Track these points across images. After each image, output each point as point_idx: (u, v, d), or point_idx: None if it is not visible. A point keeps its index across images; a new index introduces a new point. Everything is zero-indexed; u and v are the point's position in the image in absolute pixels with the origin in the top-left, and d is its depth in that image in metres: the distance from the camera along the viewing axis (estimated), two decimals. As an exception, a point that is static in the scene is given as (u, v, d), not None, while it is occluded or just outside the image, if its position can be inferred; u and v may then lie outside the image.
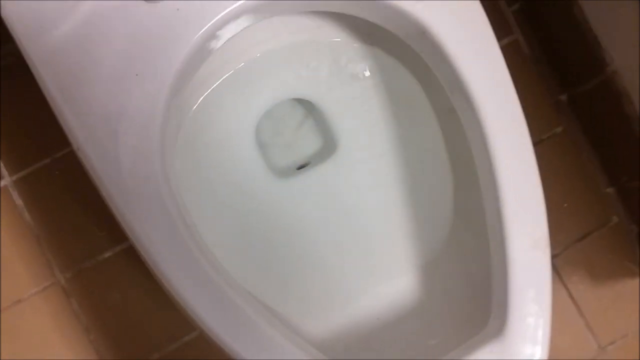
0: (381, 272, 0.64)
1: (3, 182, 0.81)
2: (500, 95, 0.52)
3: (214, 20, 0.51)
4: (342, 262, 0.64)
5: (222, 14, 0.51)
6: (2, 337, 0.79)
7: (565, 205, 0.87)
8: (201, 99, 0.62)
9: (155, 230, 0.49)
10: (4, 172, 0.81)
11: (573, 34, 0.80)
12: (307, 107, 0.69)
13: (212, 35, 0.52)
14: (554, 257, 0.87)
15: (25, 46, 0.49)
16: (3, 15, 0.49)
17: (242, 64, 0.63)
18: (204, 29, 0.51)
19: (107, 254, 0.81)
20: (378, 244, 0.65)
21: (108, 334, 0.80)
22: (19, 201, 0.81)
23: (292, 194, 0.67)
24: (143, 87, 0.49)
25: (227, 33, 0.54)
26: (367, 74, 0.66)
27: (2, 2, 0.49)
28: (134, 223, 0.49)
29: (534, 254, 0.51)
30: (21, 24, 0.49)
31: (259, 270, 0.63)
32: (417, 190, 0.66)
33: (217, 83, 0.63)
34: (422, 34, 0.53)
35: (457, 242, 0.61)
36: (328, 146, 0.69)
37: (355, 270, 0.64)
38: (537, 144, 0.88)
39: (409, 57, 0.61)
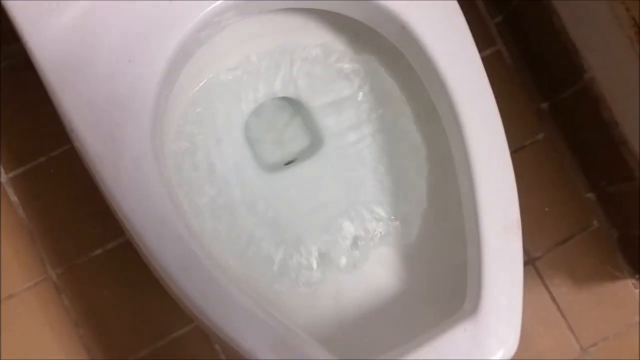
0: (363, 260, 0.65)
1: (-1, 180, 0.83)
2: (475, 86, 0.55)
3: (204, 12, 0.54)
4: (325, 251, 0.66)
5: (211, 7, 0.54)
6: (-8, 331, 0.80)
7: (547, 209, 0.90)
8: (191, 93, 0.65)
9: (143, 209, 0.51)
10: (0, 169, 0.84)
11: (553, 43, 0.84)
12: (295, 105, 0.72)
13: (202, 27, 0.55)
14: (535, 260, 0.89)
15: (25, 33, 0.52)
16: (4, 4, 0.52)
17: (231, 60, 0.66)
18: (194, 21, 0.54)
19: (98, 251, 0.83)
20: (362, 234, 0.67)
21: (97, 329, 0.82)
22: (14, 198, 0.83)
23: (279, 187, 0.70)
24: (135, 73, 0.52)
25: (216, 27, 0.57)
26: (353, 72, 0.68)
27: (4, -8, 0.52)
28: (121, 200, 0.51)
29: (507, 236, 0.53)
30: (22, 13, 0.52)
31: (247, 257, 0.64)
32: (399, 183, 0.68)
33: (206, 79, 0.66)
34: (402, 28, 0.56)
35: (436, 229, 0.63)
36: (314, 143, 0.72)
37: (337, 257, 0.66)
38: (519, 150, 0.91)
39: (393, 56, 0.64)
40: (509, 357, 0.52)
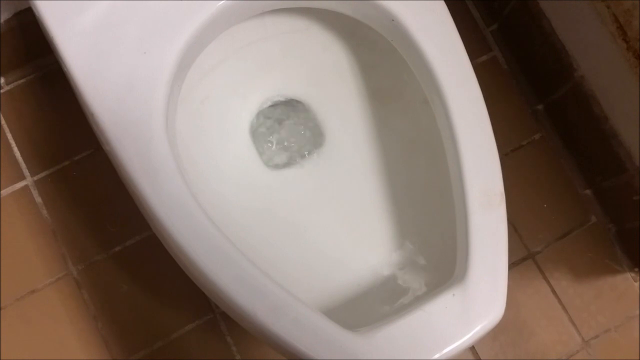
0: (363, 246, 0.69)
1: (25, 182, 0.89)
2: (460, 70, 0.59)
3: (210, 12, 0.60)
4: (329, 240, 0.70)
5: (216, 6, 0.60)
6: (16, 324, 0.84)
7: (545, 206, 0.93)
8: (199, 88, 0.70)
9: (157, 185, 0.56)
10: (26, 173, 0.89)
11: (544, 46, 0.88)
12: (296, 103, 0.76)
13: (207, 26, 0.60)
14: (535, 254, 0.91)
15: (52, 30, 0.58)
16: (32, 4, 0.58)
17: (235, 60, 0.71)
18: (200, 20, 0.59)
19: (117, 248, 0.88)
20: (361, 222, 0.71)
21: (115, 322, 0.86)
22: (38, 199, 0.89)
23: (282, 183, 0.74)
24: (149, 64, 0.57)
25: (221, 27, 0.63)
26: (351, 69, 0.73)
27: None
28: (138, 181, 0.56)
29: (491, 208, 0.57)
30: (49, 12, 0.58)
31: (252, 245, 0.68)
32: (397, 175, 0.72)
33: (212, 76, 0.71)
34: (391, 21, 0.61)
35: (431, 214, 0.67)
36: (316, 140, 0.76)
37: (339, 245, 0.70)
38: (516, 149, 0.95)
39: (387, 52, 0.69)
40: (496, 321, 0.55)
